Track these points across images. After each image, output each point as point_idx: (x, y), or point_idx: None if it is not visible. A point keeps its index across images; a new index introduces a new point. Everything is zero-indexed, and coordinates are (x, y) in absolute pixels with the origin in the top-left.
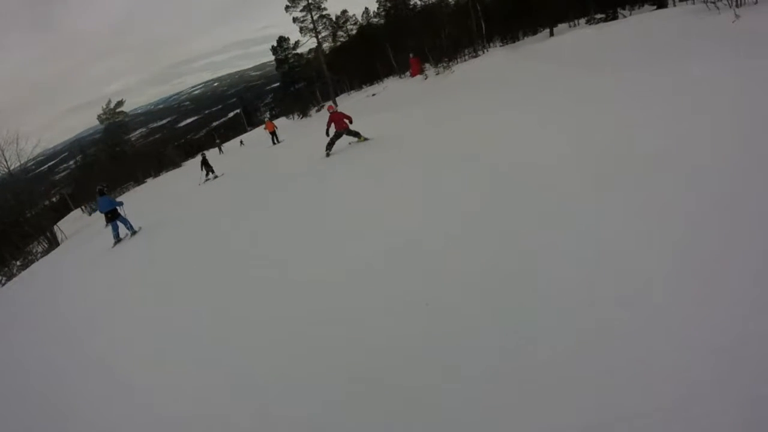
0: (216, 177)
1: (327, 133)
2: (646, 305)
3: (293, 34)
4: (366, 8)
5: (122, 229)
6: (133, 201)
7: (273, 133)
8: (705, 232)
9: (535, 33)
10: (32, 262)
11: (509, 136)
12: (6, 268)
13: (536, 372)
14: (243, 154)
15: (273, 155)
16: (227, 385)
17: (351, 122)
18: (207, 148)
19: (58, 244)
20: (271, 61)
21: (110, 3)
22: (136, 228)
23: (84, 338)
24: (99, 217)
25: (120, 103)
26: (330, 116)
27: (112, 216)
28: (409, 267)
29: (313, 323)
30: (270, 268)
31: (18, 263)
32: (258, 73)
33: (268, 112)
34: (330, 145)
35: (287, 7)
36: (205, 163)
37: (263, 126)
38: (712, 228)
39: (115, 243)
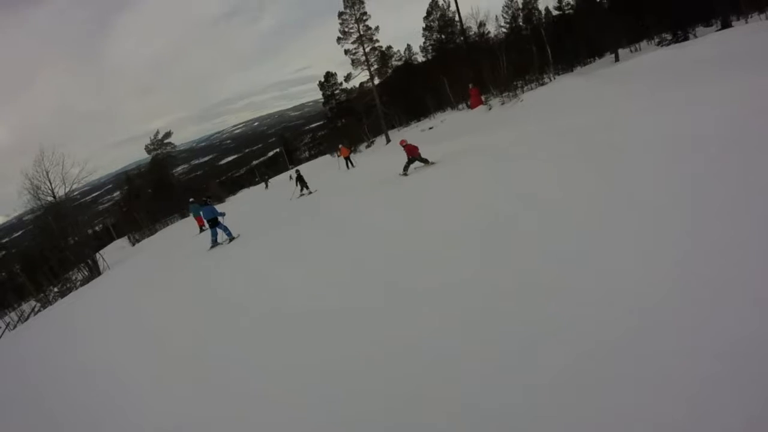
0: (310, 193)
1: (408, 159)
2: (650, 309)
3: (338, 70)
4: (408, 45)
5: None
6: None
7: (347, 158)
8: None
9: (584, 62)
10: (71, 290)
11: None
12: (42, 294)
13: (543, 376)
14: (323, 175)
15: (354, 176)
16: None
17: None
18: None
19: (99, 273)
20: (310, 102)
21: (153, 42)
22: (234, 235)
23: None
24: (140, 249)
25: (168, 134)
26: (406, 147)
27: (213, 223)
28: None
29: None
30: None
31: (56, 290)
32: (297, 113)
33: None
34: (406, 168)
35: (339, 39)
36: (300, 179)
37: (337, 153)
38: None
39: (212, 246)
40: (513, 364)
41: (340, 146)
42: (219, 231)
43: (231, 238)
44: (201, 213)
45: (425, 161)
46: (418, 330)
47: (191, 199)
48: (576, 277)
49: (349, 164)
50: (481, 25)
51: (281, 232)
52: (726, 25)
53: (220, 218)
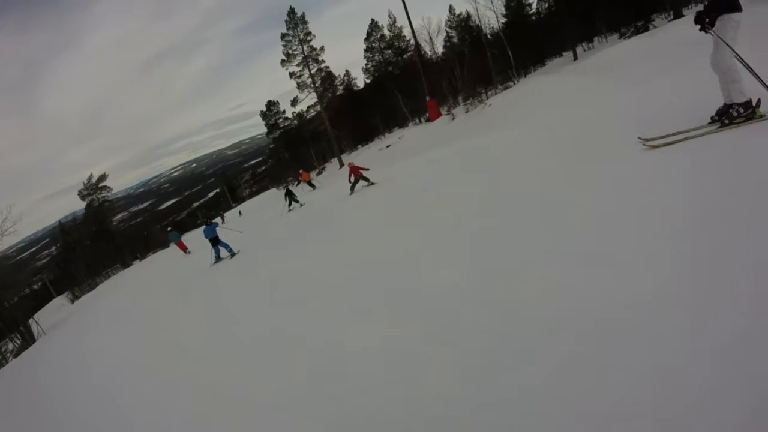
0: (301, 205)
1: (349, 180)
2: (647, 307)
3: (282, 97)
4: (347, 70)
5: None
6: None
7: (309, 182)
8: (703, 231)
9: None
10: (2, 364)
11: None
12: None
13: (536, 374)
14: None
15: (319, 195)
16: None
17: (368, 169)
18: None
19: (34, 341)
20: (246, 139)
21: (82, 89)
22: (235, 251)
23: None
24: (80, 305)
25: (103, 177)
26: (351, 169)
27: (215, 242)
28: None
29: None
30: None
31: None
32: (234, 151)
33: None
34: (352, 188)
35: (283, 62)
36: (289, 194)
37: (299, 178)
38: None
39: (216, 261)
40: (509, 364)
41: (301, 171)
42: (221, 248)
43: (232, 254)
44: (203, 233)
45: (367, 180)
46: (417, 332)
47: (169, 228)
48: (570, 276)
49: (311, 186)
50: (416, 48)
51: (281, 246)
52: (678, 15)
53: (218, 233)
